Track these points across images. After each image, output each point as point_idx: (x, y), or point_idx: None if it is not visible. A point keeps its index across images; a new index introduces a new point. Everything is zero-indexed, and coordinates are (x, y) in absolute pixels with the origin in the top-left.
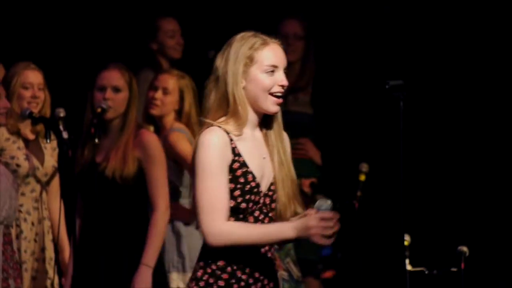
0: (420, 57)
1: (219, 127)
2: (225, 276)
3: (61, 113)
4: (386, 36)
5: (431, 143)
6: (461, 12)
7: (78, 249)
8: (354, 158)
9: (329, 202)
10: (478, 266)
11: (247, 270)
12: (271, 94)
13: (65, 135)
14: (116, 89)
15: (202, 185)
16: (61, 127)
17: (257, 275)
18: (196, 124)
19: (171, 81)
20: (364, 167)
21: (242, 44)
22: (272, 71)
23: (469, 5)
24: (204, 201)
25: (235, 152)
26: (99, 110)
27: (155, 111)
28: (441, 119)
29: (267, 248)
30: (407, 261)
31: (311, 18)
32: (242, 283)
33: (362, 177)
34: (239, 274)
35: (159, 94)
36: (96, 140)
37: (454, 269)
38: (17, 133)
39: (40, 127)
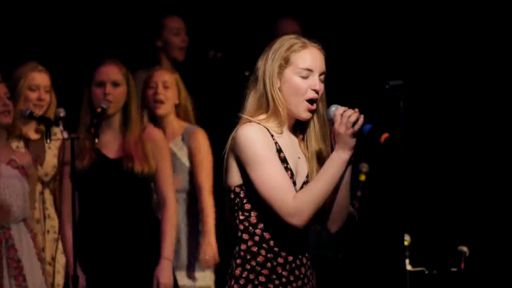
0: (420, 57)
1: (258, 123)
2: (265, 271)
3: (61, 113)
4: (386, 36)
5: (431, 143)
6: (461, 12)
7: (96, 244)
8: (354, 158)
9: (334, 105)
10: (478, 266)
11: (287, 267)
12: (305, 99)
13: (65, 135)
14: (115, 84)
15: (261, 173)
16: (61, 127)
17: (297, 272)
18: (192, 117)
19: (168, 75)
20: (364, 167)
21: (281, 45)
22: (307, 76)
23: (468, 5)
24: (270, 188)
25: (277, 147)
26: (99, 110)
27: (162, 110)
28: (441, 119)
29: (303, 246)
30: (407, 261)
31: (311, 18)
32: (283, 279)
33: (362, 177)
34: (279, 270)
35: (160, 89)
36: (96, 140)
37: (454, 269)
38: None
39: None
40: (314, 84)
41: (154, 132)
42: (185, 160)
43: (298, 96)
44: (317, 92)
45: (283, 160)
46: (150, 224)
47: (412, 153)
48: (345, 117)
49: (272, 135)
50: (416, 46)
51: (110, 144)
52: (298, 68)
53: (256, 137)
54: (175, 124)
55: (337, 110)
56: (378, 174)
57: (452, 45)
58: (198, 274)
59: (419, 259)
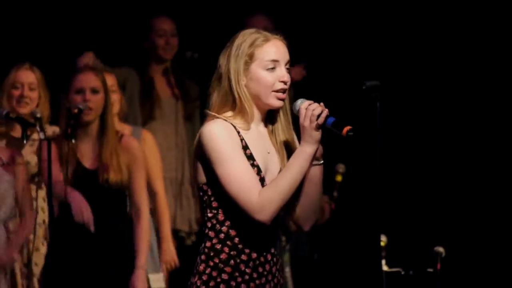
0: (396, 58)
1: (225, 120)
2: (228, 269)
3: (38, 113)
4: (363, 36)
5: (408, 144)
6: (437, 13)
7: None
8: (330, 158)
9: (300, 99)
10: (454, 267)
11: (250, 264)
12: (274, 91)
13: (42, 135)
14: (94, 91)
15: (226, 171)
16: (38, 128)
17: (260, 269)
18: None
19: (110, 79)
20: (341, 167)
21: (243, 41)
22: (273, 67)
23: (444, 6)
24: (236, 185)
25: (243, 144)
26: (75, 110)
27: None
28: (417, 119)
29: (270, 243)
30: (383, 261)
31: (288, 18)
32: (246, 277)
33: (339, 178)
34: (242, 267)
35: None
36: (73, 141)
37: (430, 270)
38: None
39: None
40: (282, 75)
41: (130, 141)
42: None
43: (267, 88)
44: (285, 83)
45: (249, 157)
46: (124, 234)
47: (388, 154)
48: (310, 110)
49: (238, 132)
50: (393, 47)
51: (88, 152)
52: (264, 62)
53: (220, 133)
54: (120, 127)
55: (302, 103)
56: (355, 174)
57: (428, 45)
58: (150, 276)
59: (395, 259)
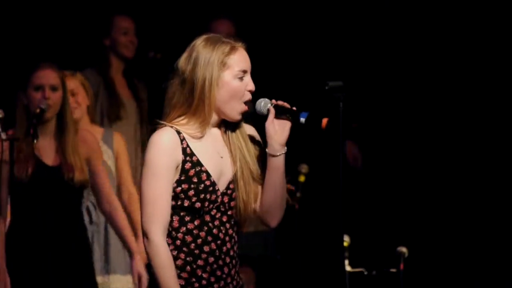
0: (359, 58)
1: (171, 127)
2: (184, 275)
3: (0, 114)
4: (325, 36)
5: (370, 145)
6: (399, 12)
7: (32, 253)
8: (293, 159)
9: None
10: (417, 267)
11: (207, 269)
12: (243, 101)
13: (3, 136)
14: (54, 88)
15: (145, 184)
16: None
17: (219, 273)
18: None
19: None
20: (304, 168)
21: (212, 48)
22: (242, 77)
23: (406, 5)
24: (146, 201)
25: (187, 152)
26: (38, 110)
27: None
28: (379, 120)
29: (229, 246)
30: (346, 262)
31: (250, 18)
32: (204, 282)
33: (302, 178)
34: (199, 273)
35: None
36: (35, 141)
37: (393, 270)
38: None
39: None
40: (249, 85)
41: (86, 134)
42: (111, 163)
43: (236, 99)
44: (251, 92)
45: (196, 164)
46: (84, 231)
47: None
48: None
49: (183, 139)
50: (355, 47)
51: (47, 150)
52: (235, 71)
53: (157, 147)
54: (91, 129)
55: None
56: (318, 175)
57: (391, 46)
58: (121, 277)
59: (358, 260)
